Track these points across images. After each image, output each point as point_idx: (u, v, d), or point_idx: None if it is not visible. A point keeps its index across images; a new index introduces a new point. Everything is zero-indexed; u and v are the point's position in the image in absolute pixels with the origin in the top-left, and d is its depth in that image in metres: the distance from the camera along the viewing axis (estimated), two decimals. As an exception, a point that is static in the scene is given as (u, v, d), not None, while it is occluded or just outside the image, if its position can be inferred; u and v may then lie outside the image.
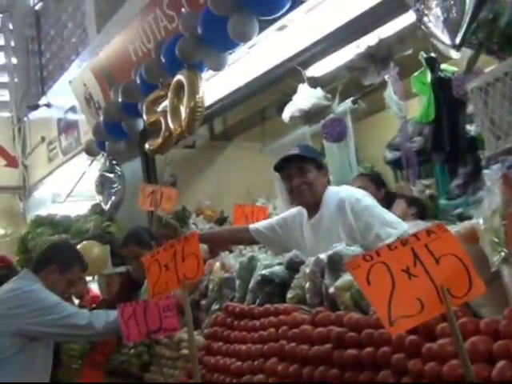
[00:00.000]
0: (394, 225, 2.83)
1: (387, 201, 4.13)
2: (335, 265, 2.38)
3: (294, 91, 4.57)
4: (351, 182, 4.45)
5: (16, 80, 10.47)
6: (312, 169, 3.03)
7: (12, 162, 9.82)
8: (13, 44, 10.61)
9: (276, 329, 2.35)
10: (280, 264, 2.81)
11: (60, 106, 8.08)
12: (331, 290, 2.29)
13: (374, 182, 4.60)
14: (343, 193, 3.06)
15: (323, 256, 2.47)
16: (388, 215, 2.96)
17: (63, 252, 3.52)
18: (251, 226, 3.45)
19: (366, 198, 3.02)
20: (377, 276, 1.46)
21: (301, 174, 3.01)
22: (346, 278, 2.26)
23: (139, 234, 3.94)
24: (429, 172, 4.64)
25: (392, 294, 1.44)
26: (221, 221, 6.11)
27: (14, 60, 10.58)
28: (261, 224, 3.44)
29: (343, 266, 2.32)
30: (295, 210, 3.25)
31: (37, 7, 9.67)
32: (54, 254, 3.45)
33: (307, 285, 2.48)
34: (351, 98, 4.83)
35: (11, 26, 10.57)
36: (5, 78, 10.92)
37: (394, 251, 1.49)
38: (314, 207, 3.07)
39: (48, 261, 3.37)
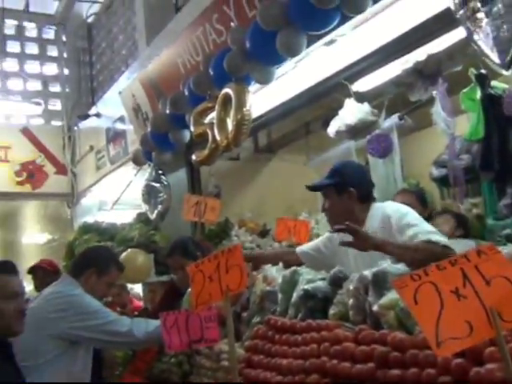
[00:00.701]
0: None
1: (430, 218, 4.05)
2: (380, 282, 2.36)
3: (340, 106, 4.57)
4: (394, 197, 4.38)
5: (67, 90, 10.77)
6: (331, 194, 3.08)
7: (61, 170, 10.09)
8: (65, 55, 10.93)
9: (318, 345, 2.33)
10: (323, 279, 2.79)
11: (109, 115, 8.27)
12: (375, 308, 2.26)
13: (417, 198, 4.48)
14: (388, 209, 3.03)
15: (367, 273, 2.45)
16: (433, 231, 2.91)
17: (100, 255, 3.55)
18: (298, 248, 3.48)
19: (410, 214, 2.98)
20: (425, 296, 1.45)
21: (324, 200, 3.11)
22: (391, 296, 2.23)
23: (185, 244, 3.96)
24: (476, 191, 4.55)
25: (440, 314, 1.42)
26: (263, 233, 6.12)
27: (66, 71, 10.89)
28: (307, 246, 3.47)
29: (388, 284, 2.30)
30: None
31: (89, 20, 9.94)
32: (91, 258, 3.49)
33: (350, 301, 2.46)
34: (397, 114, 4.79)
35: (64, 38, 10.90)
36: (57, 88, 11.26)
37: (443, 271, 1.47)
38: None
39: (86, 265, 3.41)
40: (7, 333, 2.49)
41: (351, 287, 2.50)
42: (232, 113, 4.10)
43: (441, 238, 2.77)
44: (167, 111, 5.25)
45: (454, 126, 4.25)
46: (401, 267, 2.43)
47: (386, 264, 2.43)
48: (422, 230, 2.83)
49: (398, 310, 2.15)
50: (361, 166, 3.86)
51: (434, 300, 1.45)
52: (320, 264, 3.26)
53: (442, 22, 3.48)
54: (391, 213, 2.97)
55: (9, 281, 2.51)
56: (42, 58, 11.44)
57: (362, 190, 3.11)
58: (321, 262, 3.27)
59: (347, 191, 3.09)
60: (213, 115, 4.56)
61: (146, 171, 6.32)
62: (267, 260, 3.48)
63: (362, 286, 2.43)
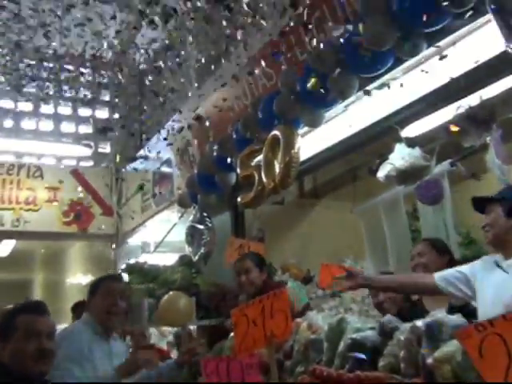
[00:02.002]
0: None
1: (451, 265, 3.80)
2: (434, 334, 2.23)
3: (389, 150, 4.48)
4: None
5: (117, 133, 11.03)
6: (495, 208, 2.88)
7: (107, 211, 10.24)
8: (116, 100, 11.23)
9: (366, 398, 2.21)
10: (372, 328, 2.68)
11: (156, 158, 8.38)
12: (429, 360, 2.13)
13: (435, 247, 4.17)
14: None
15: (420, 323, 2.33)
16: None
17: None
18: (436, 274, 3.18)
19: None
20: (490, 348, 1.33)
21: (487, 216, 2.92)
22: (446, 348, 2.10)
23: (257, 254, 4.17)
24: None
25: (509, 368, 1.30)
26: (307, 279, 5.99)
27: (117, 114, 11.18)
28: (447, 271, 3.18)
29: (443, 336, 2.17)
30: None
31: (141, 66, 10.22)
32: None
33: (402, 353, 2.34)
34: (449, 160, 4.66)
35: (116, 83, 11.22)
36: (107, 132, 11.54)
37: (511, 322, 1.35)
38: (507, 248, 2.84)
39: None
40: (29, 372, 2.45)
41: (402, 338, 2.38)
42: (280, 155, 4.08)
43: None
44: (214, 154, 5.28)
45: (509, 173, 4.09)
46: (456, 318, 2.30)
47: (441, 314, 2.31)
48: None
49: (455, 363, 2.02)
50: None
51: (501, 353, 1.33)
52: (457, 292, 3.01)
53: (496, 67, 3.41)
54: None
55: (34, 320, 2.53)
56: (95, 101, 11.80)
57: None
58: (459, 289, 2.98)
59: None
60: (260, 158, 4.55)
61: (191, 214, 6.33)
62: (402, 286, 3.19)
63: (415, 336, 2.31)
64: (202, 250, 5.88)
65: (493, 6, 2.95)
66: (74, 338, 3.30)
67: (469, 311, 2.68)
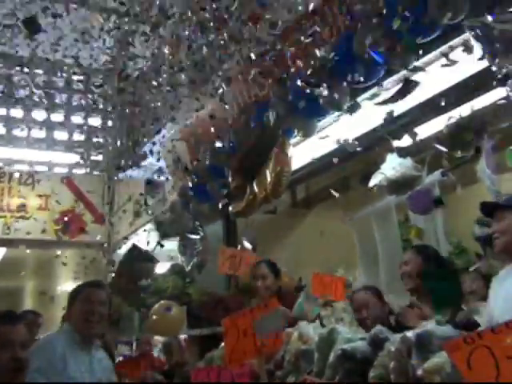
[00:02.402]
0: None
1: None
2: (424, 345, 2.23)
3: (381, 160, 4.49)
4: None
5: (109, 140, 11.00)
6: (507, 215, 2.79)
7: (98, 219, 10.20)
8: (109, 108, 11.21)
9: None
10: (363, 339, 2.67)
11: (148, 166, 8.36)
12: (419, 372, 2.14)
13: (421, 254, 4.05)
14: None
15: (410, 334, 2.33)
16: None
17: None
18: None
19: None
20: (479, 361, 1.33)
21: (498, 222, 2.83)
22: (436, 359, 2.10)
23: (274, 263, 4.35)
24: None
25: (497, 380, 1.30)
26: (298, 289, 5.98)
27: (110, 122, 11.15)
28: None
29: (433, 347, 2.17)
30: None
31: (134, 74, 10.21)
32: None
33: (392, 364, 2.33)
34: (440, 170, 4.68)
35: (110, 91, 11.21)
36: (100, 139, 11.51)
37: (499, 335, 1.36)
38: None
39: None
40: (2, 382, 2.43)
41: (393, 349, 2.37)
42: (271, 165, 4.08)
43: None
44: (206, 163, 5.28)
45: (499, 184, 4.12)
46: (447, 329, 2.30)
47: (432, 325, 2.31)
48: None
49: (444, 374, 2.02)
50: None
51: (490, 365, 1.33)
52: None
53: (486, 79, 3.43)
54: None
55: (7, 330, 2.50)
56: (87, 109, 11.78)
57: None
58: None
59: None
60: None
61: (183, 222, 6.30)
62: None
63: (405, 347, 2.31)
64: (195, 260, 5.87)
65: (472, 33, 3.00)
66: (46, 348, 3.17)
67: (471, 324, 2.61)
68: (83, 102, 11.55)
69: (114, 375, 3.48)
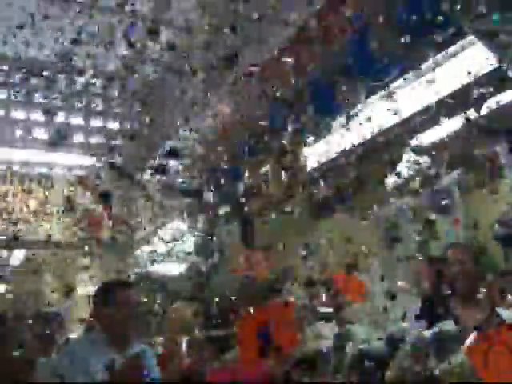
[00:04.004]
0: None
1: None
2: (441, 344, 2.19)
3: (398, 160, 4.45)
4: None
5: (128, 144, 11.04)
6: None
7: (118, 221, 10.24)
8: (127, 111, 11.26)
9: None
10: (380, 339, 2.64)
11: (166, 168, 8.38)
12: (436, 371, 2.09)
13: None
14: None
15: (428, 334, 2.29)
16: None
17: None
18: None
19: None
20: (497, 360, 1.30)
21: None
22: (454, 360, 2.06)
23: None
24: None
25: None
26: (309, 284, 5.95)
27: (128, 125, 11.20)
28: None
29: (451, 346, 2.13)
30: None
31: (151, 77, 10.26)
32: None
33: (409, 364, 2.29)
34: (459, 169, 4.62)
35: (126, 95, 11.27)
36: (118, 142, 11.57)
37: (517, 333, 1.32)
38: None
39: None
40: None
41: (409, 348, 2.34)
42: (287, 165, 4.06)
43: None
44: (223, 164, 5.28)
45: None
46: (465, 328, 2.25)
47: (449, 325, 2.27)
48: None
49: (462, 374, 1.98)
50: None
51: (507, 365, 1.30)
52: None
53: (504, 77, 3.37)
54: None
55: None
56: (106, 113, 11.85)
57: None
58: None
59: None
60: (267, 167, 4.54)
61: (200, 223, 6.32)
62: None
63: (423, 348, 2.27)
64: (211, 261, 5.87)
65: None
66: (75, 351, 3.07)
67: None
68: (101, 105, 11.65)
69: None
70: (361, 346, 2.61)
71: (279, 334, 2.49)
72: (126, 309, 2.96)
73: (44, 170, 10.66)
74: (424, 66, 3.63)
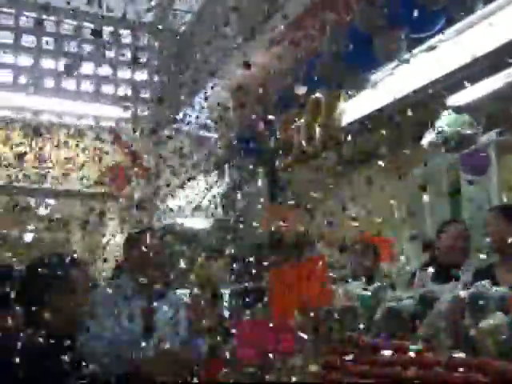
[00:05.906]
0: None
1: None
2: (478, 305, 2.14)
3: (437, 117, 4.31)
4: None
5: (156, 96, 10.98)
6: None
7: (145, 174, 10.28)
8: (155, 62, 11.17)
9: (404, 368, 2.14)
10: (410, 297, 2.60)
11: (195, 121, 8.33)
12: (472, 332, 2.05)
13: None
14: None
15: (464, 294, 2.24)
16: None
17: None
18: None
19: None
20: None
21: None
22: (491, 320, 2.01)
23: None
24: None
25: None
26: (342, 249, 5.92)
27: (156, 77, 11.13)
28: None
29: (488, 307, 2.08)
30: None
31: (181, 28, 10.13)
32: None
33: (442, 324, 2.25)
34: (497, 130, 4.47)
35: (156, 46, 11.15)
36: (146, 94, 11.52)
37: None
38: None
39: None
40: None
41: (443, 308, 2.29)
42: (321, 119, 3.97)
43: None
44: (253, 117, 5.19)
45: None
46: (503, 289, 2.20)
47: (486, 284, 2.21)
48: None
49: (498, 336, 1.93)
50: None
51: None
52: None
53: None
54: None
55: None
56: (134, 64, 11.77)
57: None
58: None
59: None
60: (300, 121, 4.45)
61: (228, 178, 6.29)
62: None
63: (458, 307, 2.22)
64: (238, 215, 5.86)
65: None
66: (103, 297, 3.08)
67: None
68: (129, 56, 11.56)
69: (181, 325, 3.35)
70: (391, 304, 2.57)
71: (312, 290, 2.46)
72: (152, 254, 3.09)
73: (73, 121, 10.69)
74: (468, 20, 3.46)
